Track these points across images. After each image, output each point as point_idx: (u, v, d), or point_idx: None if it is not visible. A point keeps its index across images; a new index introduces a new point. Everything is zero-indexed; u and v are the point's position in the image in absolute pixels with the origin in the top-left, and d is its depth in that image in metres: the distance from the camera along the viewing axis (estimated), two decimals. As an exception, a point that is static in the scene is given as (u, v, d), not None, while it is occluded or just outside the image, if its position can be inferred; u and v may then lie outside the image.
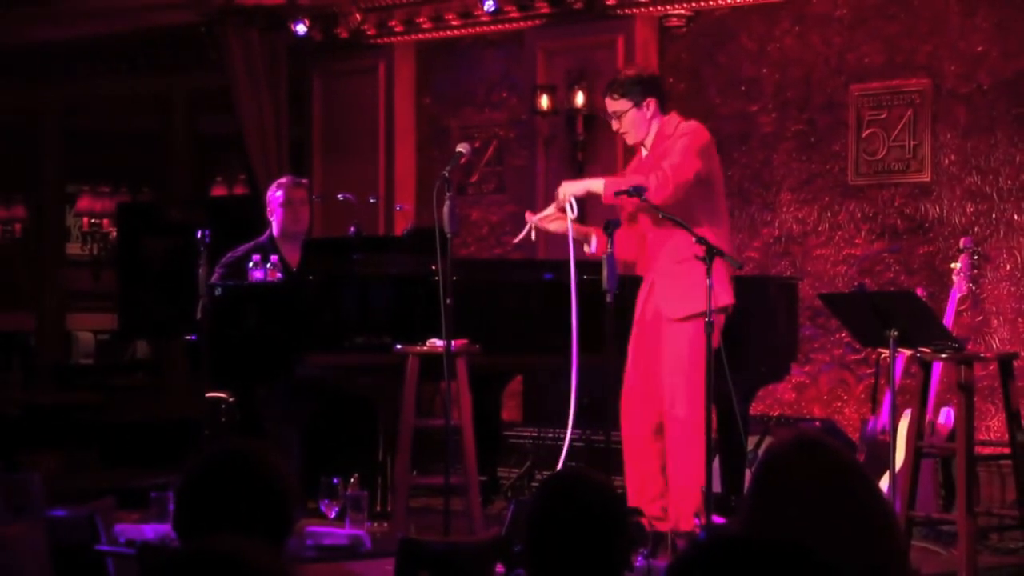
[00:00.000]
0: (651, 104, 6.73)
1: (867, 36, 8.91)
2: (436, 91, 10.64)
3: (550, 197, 6.94)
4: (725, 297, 6.66)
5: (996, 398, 7.84)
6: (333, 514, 5.88)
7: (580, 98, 9.54)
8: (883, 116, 8.82)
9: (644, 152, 6.83)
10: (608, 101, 6.82)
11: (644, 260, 6.85)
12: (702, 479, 6.56)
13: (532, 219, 6.76)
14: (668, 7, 9.46)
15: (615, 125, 6.83)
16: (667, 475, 6.69)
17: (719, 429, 7.09)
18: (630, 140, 6.86)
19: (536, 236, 6.84)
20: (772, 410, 8.96)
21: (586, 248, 6.77)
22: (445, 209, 6.54)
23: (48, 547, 4.93)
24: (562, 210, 6.70)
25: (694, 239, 6.34)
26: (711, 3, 9.36)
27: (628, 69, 7.05)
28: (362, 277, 7.58)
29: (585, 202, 7.05)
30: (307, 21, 10.41)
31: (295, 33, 10.44)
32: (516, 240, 6.84)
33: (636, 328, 6.82)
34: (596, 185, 6.70)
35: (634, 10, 9.54)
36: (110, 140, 14.18)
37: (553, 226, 6.76)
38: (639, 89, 6.73)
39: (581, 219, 6.91)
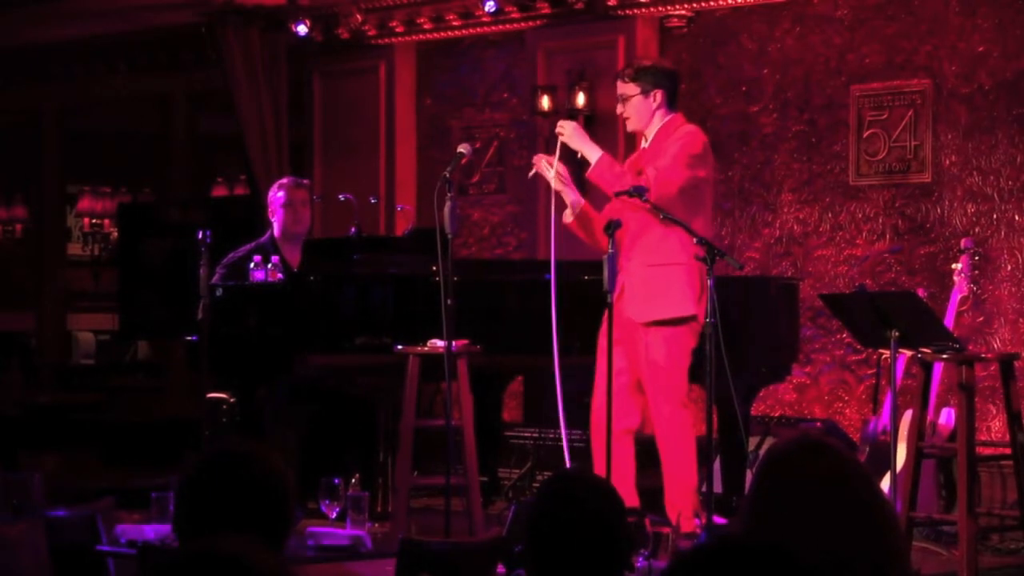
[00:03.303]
0: (658, 95, 6.72)
1: (867, 36, 8.90)
2: (437, 91, 10.63)
3: (551, 198, 6.92)
4: (689, 307, 6.59)
5: (997, 399, 7.84)
6: (334, 514, 5.89)
7: (581, 98, 9.53)
8: (884, 117, 8.81)
9: (645, 144, 6.83)
10: (619, 83, 6.82)
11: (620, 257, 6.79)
12: (696, 475, 6.54)
13: (538, 161, 6.74)
14: (669, 7, 9.44)
15: (619, 108, 6.83)
16: (662, 474, 6.68)
17: (720, 430, 7.07)
18: (630, 126, 6.87)
19: (545, 227, 6.85)
20: (773, 410, 8.95)
21: (565, 216, 6.75)
22: (446, 209, 6.54)
23: (48, 547, 4.93)
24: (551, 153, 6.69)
25: (694, 239, 6.32)
26: (711, 4, 9.35)
27: (647, 58, 7.05)
28: (362, 277, 7.58)
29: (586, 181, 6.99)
30: (308, 21, 10.40)
31: (296, 33, 10.43)
32: (530, 175, 6.88)
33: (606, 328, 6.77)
34: (592, 156, 6.68)
35: (635, 10, 9.53)
36: (110, 140, 14.18)
37: (549, 177, 6.72)
38: (651, 78, 6.73)
39: (579, 186, 6.90)
